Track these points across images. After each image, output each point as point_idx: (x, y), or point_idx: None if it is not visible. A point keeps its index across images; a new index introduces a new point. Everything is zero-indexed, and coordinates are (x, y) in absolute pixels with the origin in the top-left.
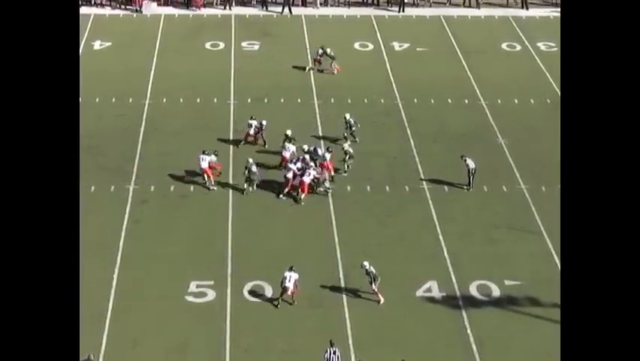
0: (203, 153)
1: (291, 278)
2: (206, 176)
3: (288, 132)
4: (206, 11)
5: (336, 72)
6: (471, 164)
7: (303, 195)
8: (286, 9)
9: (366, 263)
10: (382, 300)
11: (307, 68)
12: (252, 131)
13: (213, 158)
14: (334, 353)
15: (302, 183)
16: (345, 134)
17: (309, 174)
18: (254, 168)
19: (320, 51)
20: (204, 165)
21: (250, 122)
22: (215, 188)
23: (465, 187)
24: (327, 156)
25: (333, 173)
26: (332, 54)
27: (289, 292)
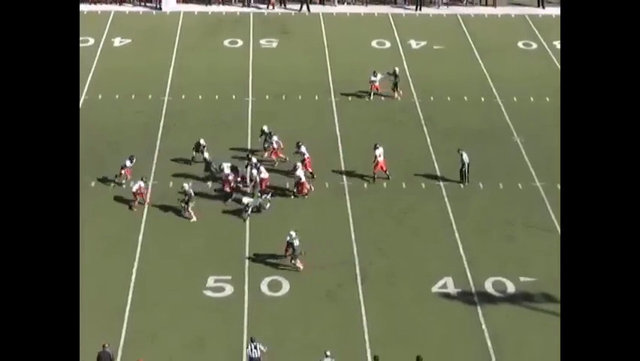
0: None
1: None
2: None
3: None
4: (224, 9)
5: (399, 98)
6: (466, 158)
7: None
8: (304, 7)
9: (292, 233)
10: (301, 268)
11: (370, 96)
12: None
13: (142, 184)
14: (255, 347)
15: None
16: (265, 146)
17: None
18: (245, 200)
19: (379, 76)
20: (134, 188)
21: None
22: (136, 209)
23: (461, 184)
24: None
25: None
26: (397, 77)
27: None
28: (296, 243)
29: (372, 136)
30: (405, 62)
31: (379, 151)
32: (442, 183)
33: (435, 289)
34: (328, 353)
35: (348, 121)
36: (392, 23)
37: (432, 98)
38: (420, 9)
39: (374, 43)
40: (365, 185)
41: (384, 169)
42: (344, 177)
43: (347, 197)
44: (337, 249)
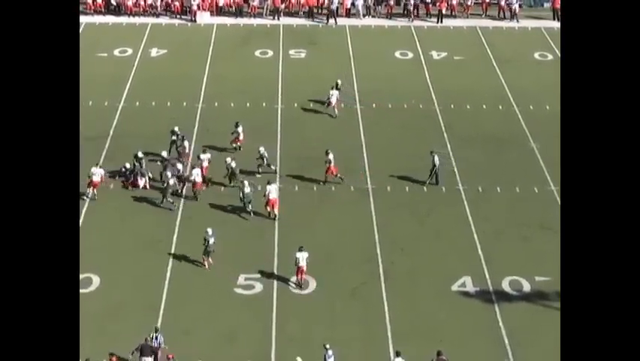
0: (97, 166)
1: (303, 258)
2: (92, 188)
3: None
4: (255, 21)
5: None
6: (437, 161)
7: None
8: (331, 19)
9: (209, 230)
10: (209, 265)
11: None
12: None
13: (102, 171)
14: (156, 338)
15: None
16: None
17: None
18: (247, 190)
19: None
20: (96, 178)
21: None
22: (96, 198)
23: (426, 182)
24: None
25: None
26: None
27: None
28: (211, 241)
29: (394, 142)
30: (427, 72)
31: (331, 156)
32: (461, 187)
33: (454, 287)
34: (327, 346)
35: (373, 128)
36: (414, 35)
37: (452, 107)
38: (441, 21)
39: (397, 54)
40: (388, 188)
41: (335, 173)
42: (368, 180)
43: (371, 199)
44: (361, 249)
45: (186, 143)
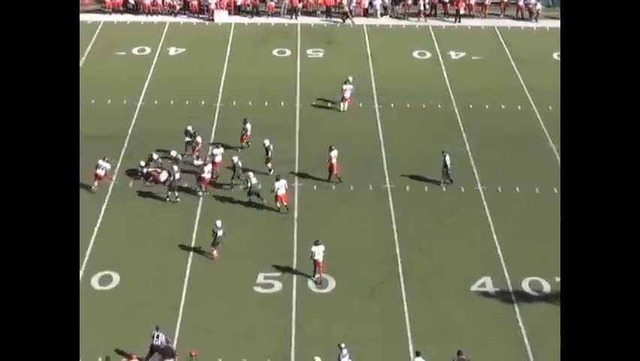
0: (104, 160)
1: (320, 252)
2: (96, 181)
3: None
4: (273, 20)
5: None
6: (448, 160)
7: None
8: (348, 19)
9: (218, 222)
10: (215, 256)
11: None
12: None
13: (108, 166)
14: (158, 336)
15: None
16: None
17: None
18: (254, 181)
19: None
20: (101, 172)
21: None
22: (95, 192)
23: (441, 182)
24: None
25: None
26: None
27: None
28: (219, 233)
29: (413, 142)
30: (445, 72)
31: (334, 153)
32: (480, 187)
33: (474, 287)
34: (342, 346)
35: (391, 127)
36: (432, 35)
37: (471, 107)
38: (459, 21)
39: (415, 54)
40: (407, 188)
41: (336, 172)
42: (387, 180)
43: (390, 199)
44: (381, 248)
45: (199, 138)
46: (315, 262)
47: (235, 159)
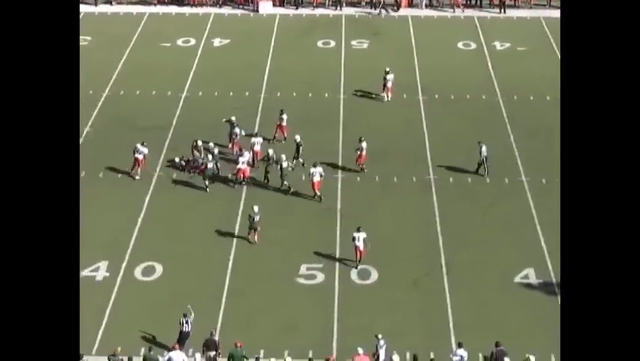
0: (142, 144)
1: (360, 238)
2: (138, 168)
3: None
4: (318, 11)
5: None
6: (485, 151)
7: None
8: (384, 10)
9: (255, 207)
10: (256, 242)
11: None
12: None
13: (146, 151)
14: (187, 322)
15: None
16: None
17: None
18: (284, 164)
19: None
20: (139, 156)
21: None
22: (137, 178)
23: (483, 176)
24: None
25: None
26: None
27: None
28: (256, 218)
29: (457, 133)
30: (489, 63)
31: (364, 144)
32: (524, 179)
33: (517, 279)
34: (379, 336)
35: (435, 119)
36: (477, 25)
37: (515, 98)
38: (504, 12)
39: (460, 45)
40: (451, 179)
41: (362, 162)
42: (430, 171)
43: (433, 190)
44: (423, 240)
45: (237, 130)
46: (356, 248)
47: (271, 151)
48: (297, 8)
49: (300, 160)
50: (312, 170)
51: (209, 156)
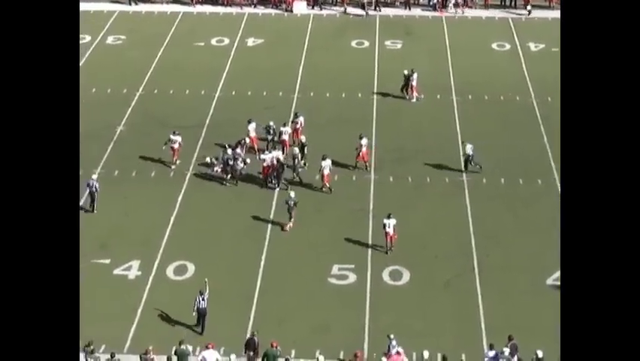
0: (174, 133)
1: (391, 225)
2: (175, 158)
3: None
4: (352, 11)
5: (411, 99)
6: (469, 150)
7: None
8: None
9: (292, 193)
10: (288, 228)
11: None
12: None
13: (179, 139)
14: (203, 299)
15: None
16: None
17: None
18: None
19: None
20: (175, 145)
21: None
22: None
23: (463, 173)
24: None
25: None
26: (408, 78)
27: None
28: (291, 203)
29: (490, 134)
30: (524, 64)
31: (364, 141)
32: (557, 180)
33: (549, 281)
34: (392, 337)
35: (469, 120)
36: (512, 26)
37: (549, 99)
38: (529, 13)
39: (494, 46)
40: (484, 180)
41: (365, 160)
42: (463, 172)
43: (466, 191)
44: (456, 241)
45: (269, 137)
46: (387, 234)
47: (296, 150)
48: (331, 7)
49: (302, 161)
50: (323, 163)
51: (229, 153)
